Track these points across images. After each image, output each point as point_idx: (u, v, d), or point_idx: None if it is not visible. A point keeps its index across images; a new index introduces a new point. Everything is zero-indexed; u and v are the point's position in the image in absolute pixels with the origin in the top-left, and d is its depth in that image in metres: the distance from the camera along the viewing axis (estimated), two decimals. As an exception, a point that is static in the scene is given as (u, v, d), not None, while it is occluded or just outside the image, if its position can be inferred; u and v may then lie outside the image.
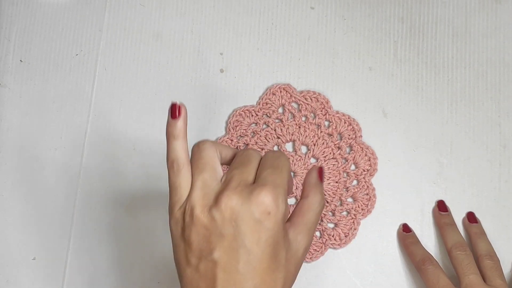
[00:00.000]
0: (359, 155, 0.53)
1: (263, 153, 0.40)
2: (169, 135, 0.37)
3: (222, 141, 0.53)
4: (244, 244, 0.34)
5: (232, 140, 0.53)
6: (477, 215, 0.52)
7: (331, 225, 0.52)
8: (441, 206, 0.52)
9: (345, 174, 0.53)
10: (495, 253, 0.49)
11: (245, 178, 0.36)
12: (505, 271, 0.50)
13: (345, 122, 0.53)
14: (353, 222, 0.51)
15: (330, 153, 0.53)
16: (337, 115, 0.53)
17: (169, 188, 0.37)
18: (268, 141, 0.53)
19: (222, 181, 0.36)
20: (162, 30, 0.56)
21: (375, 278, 0.51)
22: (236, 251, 0.34)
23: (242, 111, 0.54)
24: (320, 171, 0.39)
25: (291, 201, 0.52)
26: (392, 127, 0.54)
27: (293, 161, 0.52)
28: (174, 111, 0.38)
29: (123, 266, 0.52)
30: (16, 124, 0.55)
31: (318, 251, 0.51)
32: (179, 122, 0.37)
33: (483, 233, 0.51)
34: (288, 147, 0.53)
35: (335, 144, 0.53)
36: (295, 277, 0.37)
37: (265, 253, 0.35)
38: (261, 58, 0.55)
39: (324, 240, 0.51)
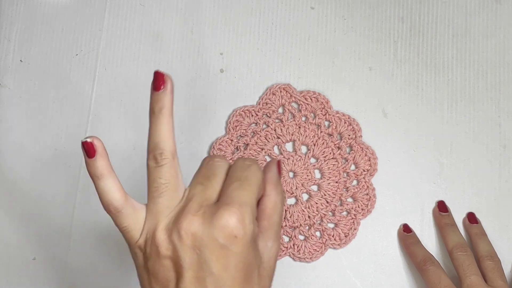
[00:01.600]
0: (359, 155, 0.52)
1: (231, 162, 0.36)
2: (92, 176, 0.35)
3: (222, 141, 0.53)
4: (211, 272, 0.32)
5: (232, 140, 0.53)
6: (478, 215, 0.52)
7: (331, 225, 0.52)
8: (441, 207, 0.52)
9: (345, 174, 0.52)
10: (495, 253, 0.49)
11: (208, 197, 0.33)
12: (506, 271, 0.50)
13: (345, 122, 0.53)
14: (353, 222, 0.51)
15: (330, 153, 0.52)
16: (337, 115, 0.53)
17: (119, 230, 0.35)
18: (268, 141, 0.53)
19: (184, 198, 0.34)
20: (162, 30, 0.56)
21: (375, 278, 0.51)
22: (203, 280, 0.32)
23: (242, 111, 0.54)
24: (279, 165, 0.37)
25: (291, 201, 0.52)
26: (392, 127, 0.54)
27: (293, 161, 0.52)
28: (89, 149, 0.35)
29: (123, 266, 0.52)
30: (16, 124, 0.55)
31: (318, 251, 0.51)
32: (98, 161, 0.35)
33: (483, 234, 0.50)
34: (288, 147, 0.53)
35: (335, 144, 0.53)
36: (271, 286, 0.35)
37: (236, 277, 0.32)
38: (261, 58, 0.55)
39: (324, 240, 0.51)
